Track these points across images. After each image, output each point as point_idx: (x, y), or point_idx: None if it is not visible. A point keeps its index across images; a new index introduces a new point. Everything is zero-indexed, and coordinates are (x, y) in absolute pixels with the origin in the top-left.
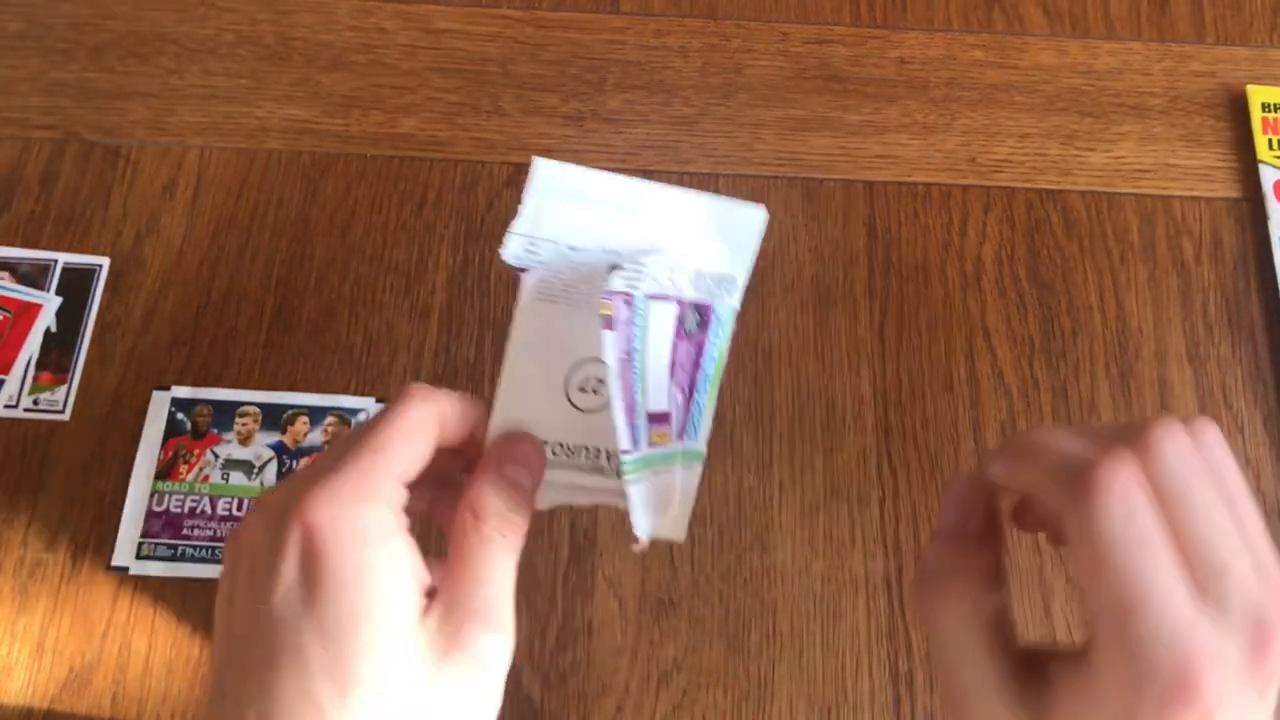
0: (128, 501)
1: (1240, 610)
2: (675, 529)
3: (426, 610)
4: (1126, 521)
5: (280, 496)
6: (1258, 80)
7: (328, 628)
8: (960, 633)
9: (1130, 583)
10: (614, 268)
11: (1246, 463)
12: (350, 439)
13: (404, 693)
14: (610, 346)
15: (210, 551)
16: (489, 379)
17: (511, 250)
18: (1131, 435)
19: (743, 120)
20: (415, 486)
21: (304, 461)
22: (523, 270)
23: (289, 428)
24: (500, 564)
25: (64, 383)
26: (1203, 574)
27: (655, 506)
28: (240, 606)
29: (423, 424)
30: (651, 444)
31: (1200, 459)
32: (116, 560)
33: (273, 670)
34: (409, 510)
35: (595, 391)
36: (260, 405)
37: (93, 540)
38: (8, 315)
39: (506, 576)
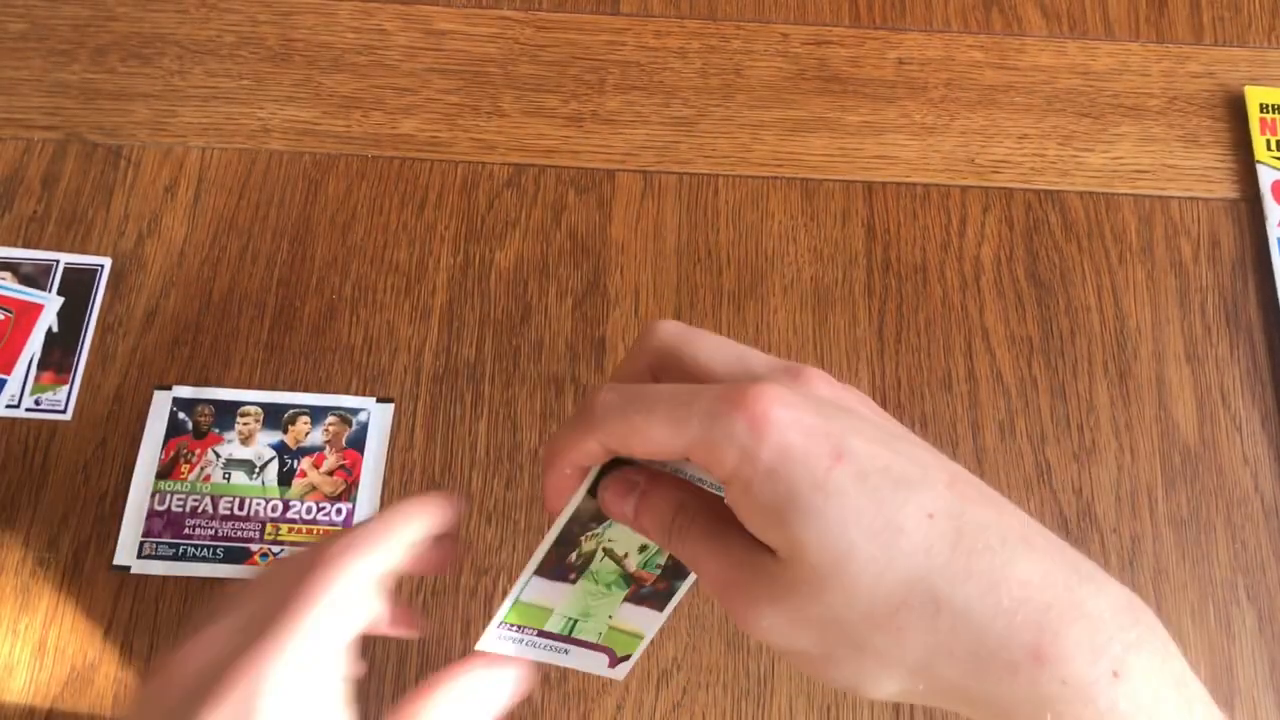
0: (129, 501)
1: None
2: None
3: None
4: None
5: (224, 639)
6: (1256, 81)
7: None
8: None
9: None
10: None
11: (1245, 462)
12: (287, 585)
13: None
14: None
15: (212, 551)
16: (489, 379)
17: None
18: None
19: (742, 121)
20: None
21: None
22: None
23: (290, 428)
24: None
25: (65, 383)
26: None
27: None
28: None
29: (358, 591)
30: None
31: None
32: (118, 560)
33: None
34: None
35: None
36: (261, 405)
37: (94, 540)
38: (9, 315)
39: None
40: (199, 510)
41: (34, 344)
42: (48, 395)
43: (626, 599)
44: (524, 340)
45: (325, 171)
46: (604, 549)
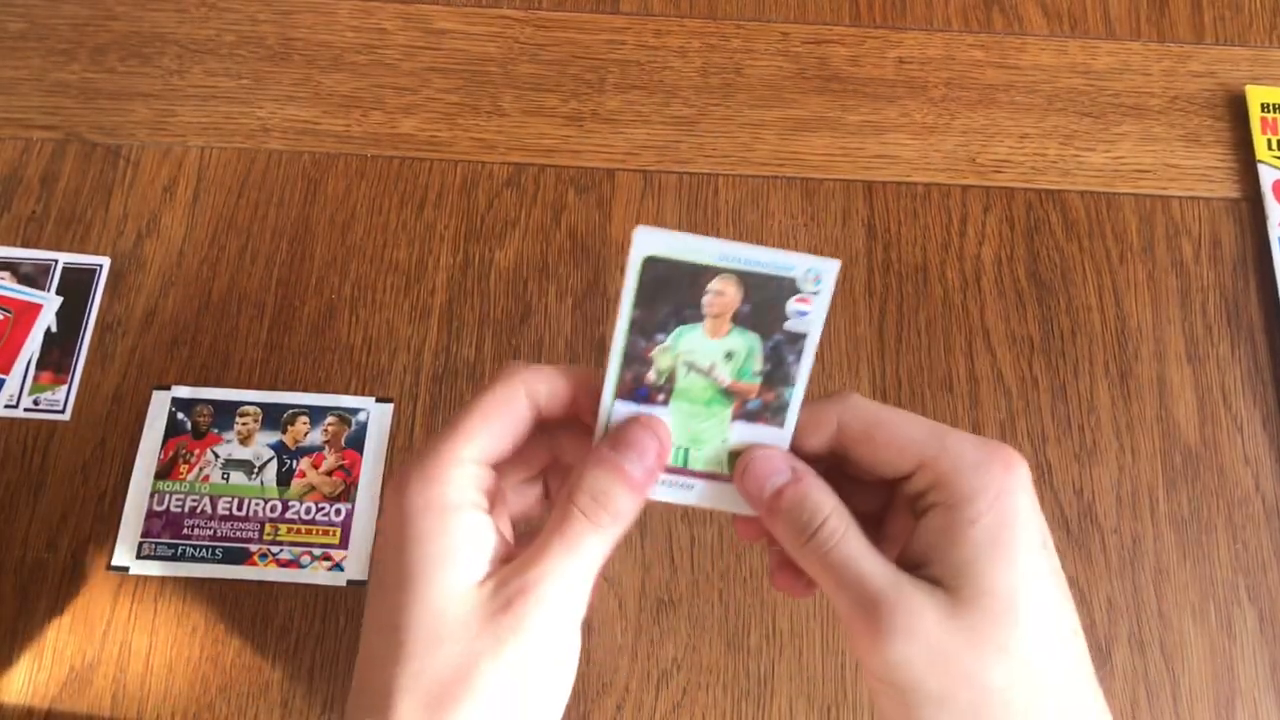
0: (128, 501)
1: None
2: None
3: (489, 576)
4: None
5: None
6: (1257, 80)
7: (386, 587)
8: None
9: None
10: None
11: (1246, 462)
12: (453, 416)
13: (447, 649)
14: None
15: (211, 551)
16: (488, 379)
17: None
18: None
19: (742, 120)
20: (528, 464)
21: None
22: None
23: (289, 428)
24: (579, 545)
25: (64, 383)
26: None
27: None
28: None
29: (503, 404)
30: None
31: None
32: (117, 560)
33: (362, 624)
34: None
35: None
36: (260, 405)
37: (93, 540)
38: (8, 315)
39: (583, 558)
40: (198, 510)
41: (33, 344)
42: (46, 395)
43: (736, 419)
44: (524, 340)
45: (325, 171)
46: (685, 363)
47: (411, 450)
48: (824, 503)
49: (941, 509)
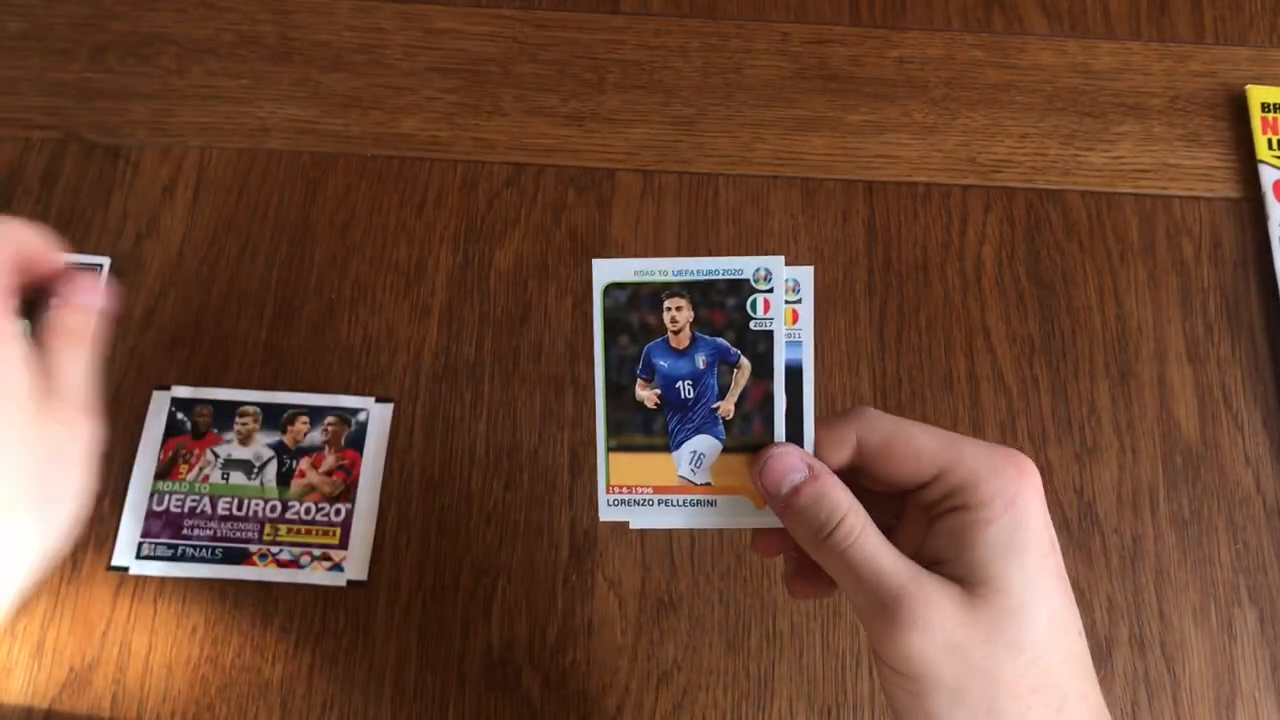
0: (128, 501)
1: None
2: None
3: (33, 391)
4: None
5: None
6: (1257, 80)
7: None
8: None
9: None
10: None
11: (1246, 462)
12: None
13: (17, 437)
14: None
15: (210, 551)
16: (489, 378)
17: None
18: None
19: (742, 120)
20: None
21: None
22: None
23: (289, 427)
24: (76, 363)
25: None
26: None
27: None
28: None
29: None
30: None
31: None
32: (116, 560)
33: None
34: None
35: None
36: (260, 405)
37: (93, 540)
38: None
39: (81, 369)
40: (197, 511)
41: None
42: None
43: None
44: (524, 340)
45: (324, 171)
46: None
47: None
48: (841, 500)
49: (959, 512)
